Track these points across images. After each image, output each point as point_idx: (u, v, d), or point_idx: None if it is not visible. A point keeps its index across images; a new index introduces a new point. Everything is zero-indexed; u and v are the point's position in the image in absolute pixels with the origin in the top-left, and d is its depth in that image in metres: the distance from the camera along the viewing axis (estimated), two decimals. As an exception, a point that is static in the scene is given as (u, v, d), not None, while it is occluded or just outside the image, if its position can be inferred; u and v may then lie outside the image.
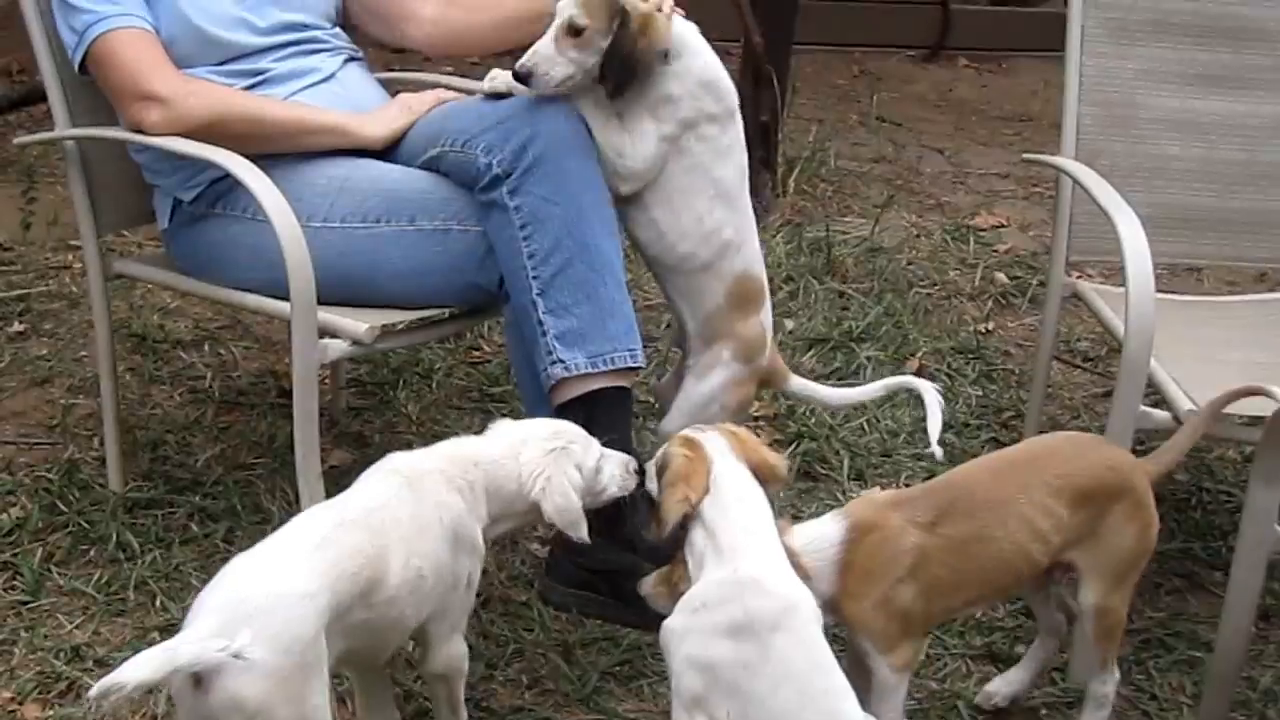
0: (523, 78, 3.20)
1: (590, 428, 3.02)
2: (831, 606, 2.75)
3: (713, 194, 3.32)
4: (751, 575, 2.59)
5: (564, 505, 2.79)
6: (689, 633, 2.57)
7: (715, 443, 2.73)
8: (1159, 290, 3.29)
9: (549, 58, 3.17)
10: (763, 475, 2.74)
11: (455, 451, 2.80)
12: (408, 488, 2.66)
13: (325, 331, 3.17)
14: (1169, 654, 3.40)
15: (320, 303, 3.14)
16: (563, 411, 3.21)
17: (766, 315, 3.44)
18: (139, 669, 2.09)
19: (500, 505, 2.80)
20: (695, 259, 3.35)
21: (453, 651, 2.75)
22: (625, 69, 3.19)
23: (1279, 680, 3.33)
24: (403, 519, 2.59)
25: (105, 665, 3.15)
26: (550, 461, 2.80)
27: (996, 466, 2.97)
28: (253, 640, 2.17)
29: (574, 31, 3.16)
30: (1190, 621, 3.52)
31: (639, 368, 3.31)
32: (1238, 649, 2.94)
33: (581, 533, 2.82)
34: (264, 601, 2.27)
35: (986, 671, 3.32)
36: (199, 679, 2.20)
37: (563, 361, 3.21)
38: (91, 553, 3.55)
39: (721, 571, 2.61)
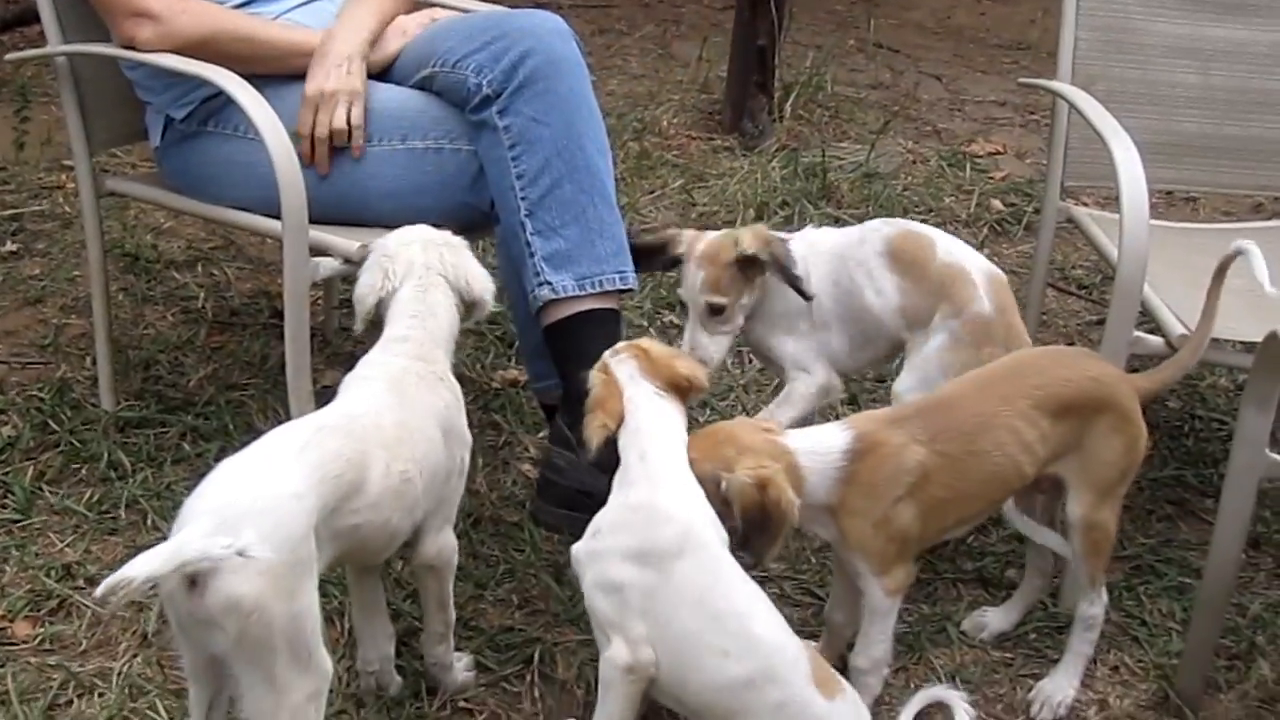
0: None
1: (578, 351, 3.02)
2: (827, 519, 2.76)
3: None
4: (642, 501, 2.60)
5: (490, 284, 2.96)
6: (592, 557, 2.59)
7: (624, 368, 2.74)
8: (1154, 218, 3.28)
9: (707, 343, 3.31)
10: (680, 389, 2.74)
11: (416, 349, 2.79)
12: (391, 393, 2.67)
13: (317, 250, 3.16)
14: (1159, 580, 3.41)
15: (312, 222, 3.13)
16: (551, 333, 3.21)
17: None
18: (147, 564, 2.07)
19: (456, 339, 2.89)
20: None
21: (443, 543, 2.77)
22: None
23: (1268, 607, 3.34)
24: (385, 425, 2.58)
25: (96, 583, 3.12)
26: (465, 260, 2.95)
27: (981, 381, 2.96)
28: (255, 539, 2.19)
29: (716, 311, 3.28)
30: (1181, 548, 3.53)
31: (629, 290, 3.29)
32: (1227, 575, 2.94)
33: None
34: (255, 503, 2.27)
35: (977, 595, 3.34)
36: (194, 581, 2.20)
37: (550, 283, 3.20)
38: (83, 471, 3.55)
39: (615, 499, 2.64)
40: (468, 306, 2.91)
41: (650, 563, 2.54)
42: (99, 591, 2.06)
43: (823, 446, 2.75)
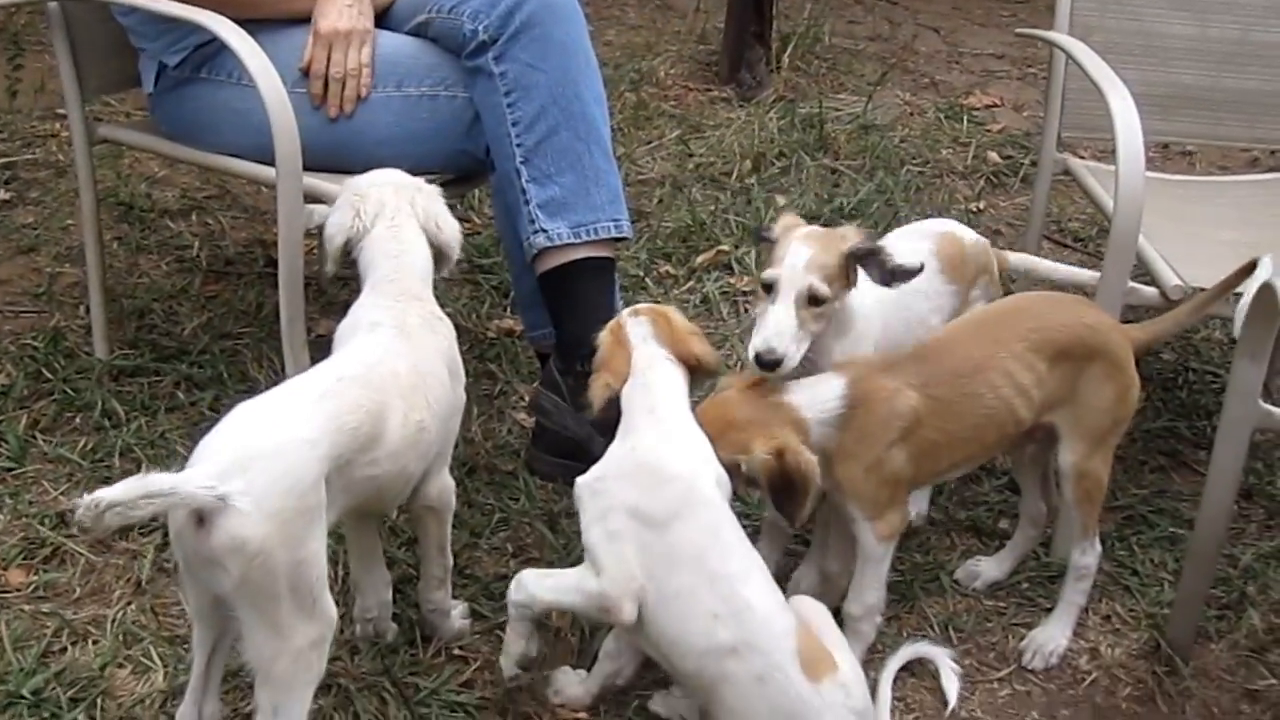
0: (770, 365, 2.73)
1: (572, 299, 3.01)
2: (823, 467, 2.76)
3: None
4: (647, 458, 2.60)
5: (458, 233, 2.92)
6: (595, 497, 2.60)
7: (639, 329, 2.74)
8: (1150, 170, 3.27)
9: (796, 335, 2.76)
10: (689, 365, 2.74)
11: (406, 288, 2.78)
12: (401, 339, 2.67)
13: (311, 197, 3.14)
14: (1151, 530, 3.42)
15: (306, 169, 3.12)
16: (545, 281, 3.20)
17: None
18: (118, 489, 2.07)
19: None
20: None
21: (443, 484, 2.78)
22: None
23: (1259, 558, 3.35)
24: (401, 373, 2.58)
25: (90, 531, 3.16)
26: (436, 205, 2.90)
27: (975, 325, 2.99)
28: (252, 486, 2.18)
29: (815, 301, 2.77)
30: (1173, 499, 3.54)
31: (624, 238, 3.29)
32: (1219, 526, 2.94)
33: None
34: (267, 447, 2.27)
35: (970, 545, 3.35)
36: (201, 519, 2.20)
37: (545, 231, 3.19)
38: (77, 420, 3.55)
39: (623, 448, 2.64)
40: (437, 254, 2.89)
41: (650, 523, 2.55)
42: (78, 513, 2.05)
43: (821, 397, 2.76)
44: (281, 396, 2.44)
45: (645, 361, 2.70)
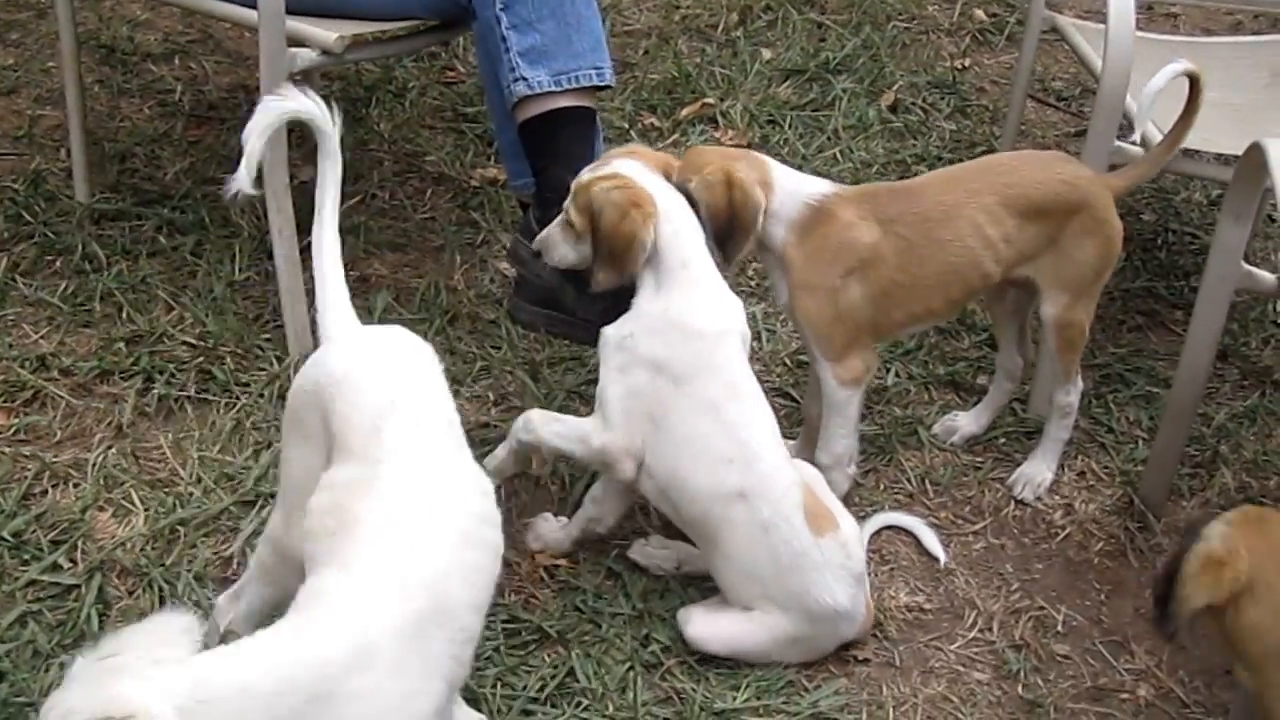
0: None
1: (553, 148, 2.99)
2: (782, 278, 2.83)
3: None
4: (680, 314, 2.63)
5: None
6: (620, 348, 2.64)
7: (645, 174, 2.72)
8: (1137, 31, 3.26)
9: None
10: None
11: None
12: None
13: (294, 40, 3.11)
14: (1128, 389, 3.45)
15: (289, 12, 3.08)
16: (526, 129, 3.17)
17: None
18: None
19: None
20: None
21: None
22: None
23: (1233, 417, 3.39)
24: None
25: (71, 374, 3.18)
26: None
27: (952, 174, 3.03)
28: None
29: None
30: (1150, 358, 3.56)
31: (606, 86, 3.26)
32: (1196, 384, 2.96)
33: None
34: None
35: (949, 400, 3.37)
36: None
37: (526, 79, 3.15)
38: (58, 264, 3.54)
39: (656, 304, 2.66)
40: None
41: (673, 376, 2.61)
42: None
43: (799, 181, 2.83)
44: None
45: (667, 201, 2.70)
